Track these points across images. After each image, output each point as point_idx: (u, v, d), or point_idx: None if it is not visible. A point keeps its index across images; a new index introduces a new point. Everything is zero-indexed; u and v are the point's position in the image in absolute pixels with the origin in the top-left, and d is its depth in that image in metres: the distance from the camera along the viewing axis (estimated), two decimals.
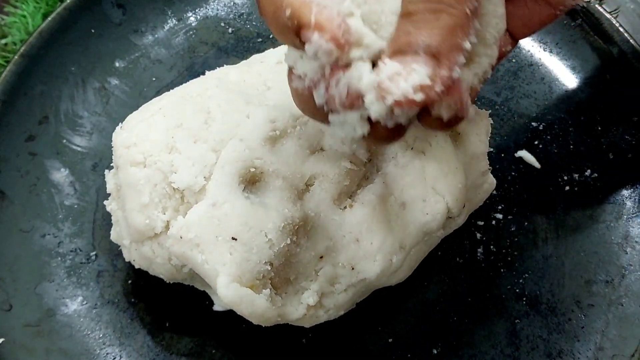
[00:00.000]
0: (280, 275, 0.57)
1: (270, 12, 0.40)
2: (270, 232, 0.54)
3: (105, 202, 0.66)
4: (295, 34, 0.39)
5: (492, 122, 0.64)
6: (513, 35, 0.51)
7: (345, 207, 0.57)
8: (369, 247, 0.57)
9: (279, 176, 0.56)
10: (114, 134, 0.62)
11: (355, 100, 0.40)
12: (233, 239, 0.54)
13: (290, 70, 0.44)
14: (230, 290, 0.53)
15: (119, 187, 0.61)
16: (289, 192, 0.56)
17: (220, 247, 0.54)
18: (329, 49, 0.38)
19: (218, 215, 0.55)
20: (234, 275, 0.53)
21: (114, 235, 0.64)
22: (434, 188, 0.59)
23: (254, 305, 0.53)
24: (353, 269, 0.57)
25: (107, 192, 0.64)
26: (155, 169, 0.57)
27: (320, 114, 0.44)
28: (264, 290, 0.54)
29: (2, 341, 0.64)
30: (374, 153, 0.60)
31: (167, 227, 0.57)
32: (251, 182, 0.57)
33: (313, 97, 0.42)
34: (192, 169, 0.56)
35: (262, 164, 0.56)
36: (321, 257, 0.57)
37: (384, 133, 0.43)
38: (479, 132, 0.62)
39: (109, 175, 0.65)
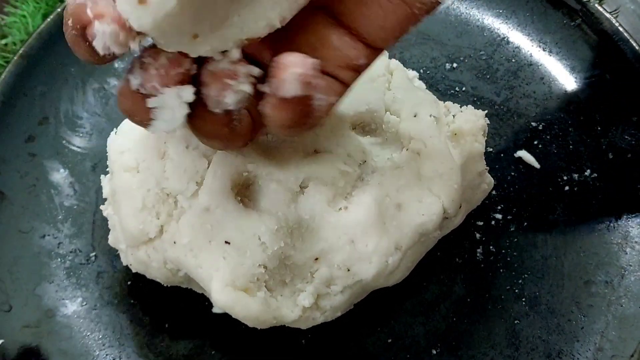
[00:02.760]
0: (275, 277, 0.57)
1: (66, 34, 0.39)
2: (264, 236, 0.54)
3: (102, 207, 0.66)
4: (84, 39, 0.37)
5: (488, 121, 0.64)
6: (370, 43, 0.45)
7: (340, 209, 0.57)
8: (365, 248, 0.57)
9: (273, 179, 0.56)
10: (108, 140, 0.62)
11: (171, 69, 0.39)
12: (226, 243, 0.54)
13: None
14: (224, 294, 0.53)
15: (114, 192, 0.61)
16: (283, 195, 0.56)
17: (213, 251, 0.54)
18: (112, 31, 0.36)
19: (211, 220, 0.55)
20: (228, 279, 0.53)
21: (111, 240, 0.64)
22: (429, 189, 0.59)
23: (249, 309, 0.54)
24: (349, 270, 0.57)
25: (104, 197, 0.65)
26: (148, 174, 0.58)
27: (139, 105, 0.41)
28: (258, 293, 0.54)
29: (2, 342, 0.65)
30: (368, 154, 0.60)
31: (161, 232, 0.58)
32: (244, 186, 0.57)
33: (130, 87, 0.41)
34: (184, 175, 0.56)
35: (255, 168, 0.56)
36: (316, 259, 0.57)
37: (208, 122, 0.43)
38: (475, 132, 0.62)
39: (104, 181, 0.65)
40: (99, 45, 0.36)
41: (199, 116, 0.43)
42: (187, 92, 0.41)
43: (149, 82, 0.40)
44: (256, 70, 0.41)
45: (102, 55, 0.37)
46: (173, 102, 0.41)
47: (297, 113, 0.41)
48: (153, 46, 0.39)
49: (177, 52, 0.39)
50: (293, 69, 0.39)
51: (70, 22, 0.37)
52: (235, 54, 0.40)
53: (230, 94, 0.41)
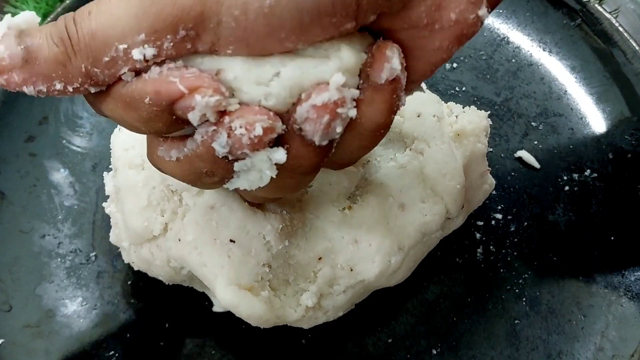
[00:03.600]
0: (279, 277, 0.57)
1: (128, 115, 0.37)
2: (268, 235, 0.55)
3: (104, 204, 0.66)
4: (169, 113, 0.36)
5: (491, 122, 0.64)
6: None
7: (343, 209, 0.57)
8: (368, 248, 0.57)
9: None
10: (112, 137, 0.62)
11: (265, 136, 0.37)
12: (231, 241, 0.54)
13: (153, 141, 0.42)
14: (229, 293, 0.53)
15: (118, 190, 0.61)
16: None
17: (218, 250, 0.54)
18: (215, 102, 0.35)
19: (216, 218, 0.55)
20: (232, 278, 0.53)
21: (113, 238, 0.64)
22: (432, 189, 0.59)
23: (253, 308, 0.54)
24: (352, 270, 0.57)
25: (106, 195, 0.65)
26: (154, 171, 0.58)
27: (222, 168, 0.40)
28: (262, 292, 0.55)
29: (2, 342, 0.64)
30: (372, 154, 0.60)
31: (165, 229, 0.58)
32: None
33: (211, 152, 0.38)
34: None
35: None
36: (320, 259, 0.57)
37: (309, 158, 0.40)
38: (478, 133, 0.62)
39: (107, 178, 0.65)
40: (195, 117, 0.36)
41: (294, 156, 0.40)
42: (280, 154, 0.39)
43: (239, 150, 0.37)
44: (357, 92, 0.38)
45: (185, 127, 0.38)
46: (263, 164, 0.39)
47: (395, 101, 0.39)
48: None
49: (271, 114, 0.37)
50: (392, 48, 0.38)
51: (148, 99, 0.36)
52: (339, 78, 0.37)
53: (339, 123, 0.38)
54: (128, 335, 0.66)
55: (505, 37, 0.81)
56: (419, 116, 0.61)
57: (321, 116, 0.37)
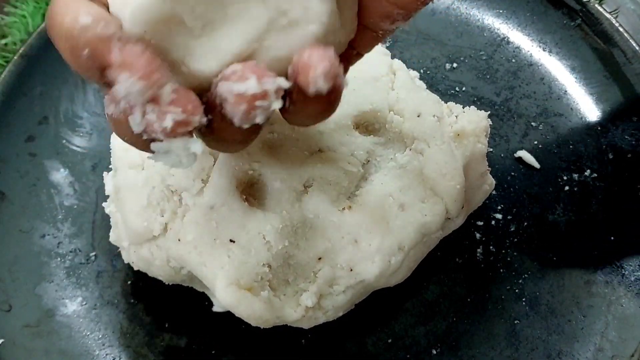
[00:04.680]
0: (279, 277, 0.57)
1: (66, 50, 0.36)
2: (269, 235, 0.55)
3: (104, 204, 0.66)
4: (100, 73, 0.35)
5: (491, 122, 0.64)
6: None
7: (343, 209, 0.57)
8: (368, 248, 0.57)
9: (277, 178, 0.56)
10: (112, 136, 0.63)
11: (177, 128, 0.35)
12: (231, 241, 0.54)
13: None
14: (229, 293, 0.53)
15: (118, 190, 0.61)
16: (287, 194, 0.56)
17: (218, 249, 0.54)
18: (140, 88, 0.34)
19: (216, 218, 0.55)
20: (232, 278, 0.53)
21: (113, 237, 0.64)
22: (432, 189, 0.59)
23: (252, 308, 0.54)
24: (352, 270, 0.57)
25: (106, 195, 0.65)
26: (153, 171, 0.58)
27: (141, 142, 0.38)
28: (262, 292, 0.55)
29: (2, 342, 0.64)
30: (372, 154, 0.60)
31: (165, 229, 0.58)
32: (249, 184, 0.57)
33: (129, 124, 0.37)
34: (189, 172, 0.56)
35: (260, 167, 0.56)
36: (320, 259, 0.57)
37: (233, 134, 0.39)
38: (478, 133, 0.62)
39: (107, 178, 0.65)
40: (119, 93, 0.34)
41: (217, 129, 0.39)
42: (196, 146, 0.38)
43: (152, 133, 0.36)
44: (286, 84, 0.37)
45: None
46: (179, 151, 0.38)
47: (327, 103, 0.39)
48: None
49: (192, 105, 0.36)
50: (320, 66, 0.36)
51: (86, 52, 0.35)
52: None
53: (260, 114, 0.36)
54: (128, 335, 0.66)
55: (505, 37, 0.81)
56: (419, 116, 0.61)
57: (238, 104, 0.36)
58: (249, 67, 0.36)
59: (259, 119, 0.36)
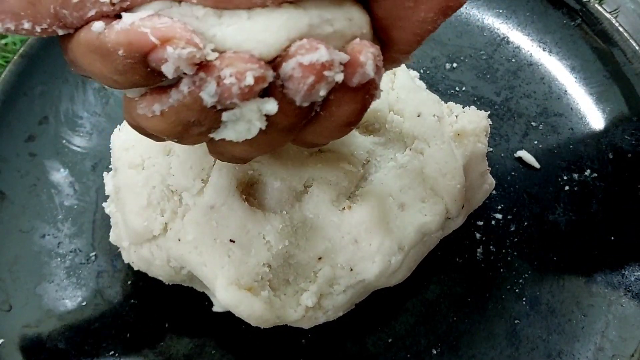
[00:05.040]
0: (279, 276, 0.57)
1: (106, 65, 0.36)
2: (269, 235, 0.55)
3: (104, 204, 0.66)
4: (143, 64, 0.35)
5: (490, 122, 0.64)
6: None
7: (343, 209, 0.57)
8: (368, 248, 0.57)
9: (277, 178, 0.56)
10: (112, 136, 0.62)
11: (256, 86, 0.35)
12: (231, 241, 0.54)
13: (132, 101, 0.40)
14: (229, 293, 0.53)
15: (118, 189, 0.61)
16: (287, 194, 0.56)
17: (218, 249, 0.54)
18: (188, 54, 0.34)
19: (216, 218, 0.55)
20: (232, 278, 0.54)
21: (113, 237, 0.64)
22: (432, 189, 0.59)
23: (253, 308, 0.54)
24: (352, 270, 0.57)
25: (106, 194, 0.65)
26: (154, 171, 0.58)
27: (210, 118, 0.38)
28: (262, 292, 0.55)
29: (2, 342, 0.65)
30: (372, 154, 0.60)
31: (165, 229, 0.58)
32: (249, 184, 0.57)
33: (199, 102, 0.37)
34: (190, 172, 0.56)
35: (260, 167, 0.56)
36: (320, 259, 0.57)
37: (291, 118, 0.39)
38: (478, 133, 0.62)
39: (107, 177, 0.65)
40: (169, 69, 0.34)
41: (279, 116, 0.38)
42: (271, 105, 0.37)
43: (228, 99, 0.36)
44: (346, 57, 0.37)
45: (164, 79, 0.36)
46: (252, 115, 0.38)
47: (362, 102, 0.39)
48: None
49: (263, 62, 0.36)
50: (370, 49, 0.37)
51: (121, 51, 0.35)
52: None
53: (324, 87, 0.36)
54: (128, 335, 0.66)
55: (505, 37, 0.81)
56: (419, 116, 0.61)
57: (306, 76, 0.36)
58: (315, 39, 0.36)
59: (322, 92, 0.37)
